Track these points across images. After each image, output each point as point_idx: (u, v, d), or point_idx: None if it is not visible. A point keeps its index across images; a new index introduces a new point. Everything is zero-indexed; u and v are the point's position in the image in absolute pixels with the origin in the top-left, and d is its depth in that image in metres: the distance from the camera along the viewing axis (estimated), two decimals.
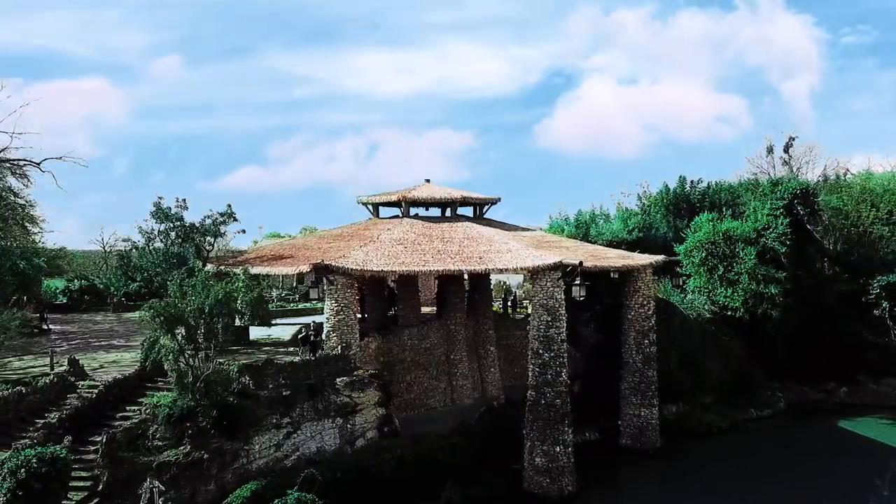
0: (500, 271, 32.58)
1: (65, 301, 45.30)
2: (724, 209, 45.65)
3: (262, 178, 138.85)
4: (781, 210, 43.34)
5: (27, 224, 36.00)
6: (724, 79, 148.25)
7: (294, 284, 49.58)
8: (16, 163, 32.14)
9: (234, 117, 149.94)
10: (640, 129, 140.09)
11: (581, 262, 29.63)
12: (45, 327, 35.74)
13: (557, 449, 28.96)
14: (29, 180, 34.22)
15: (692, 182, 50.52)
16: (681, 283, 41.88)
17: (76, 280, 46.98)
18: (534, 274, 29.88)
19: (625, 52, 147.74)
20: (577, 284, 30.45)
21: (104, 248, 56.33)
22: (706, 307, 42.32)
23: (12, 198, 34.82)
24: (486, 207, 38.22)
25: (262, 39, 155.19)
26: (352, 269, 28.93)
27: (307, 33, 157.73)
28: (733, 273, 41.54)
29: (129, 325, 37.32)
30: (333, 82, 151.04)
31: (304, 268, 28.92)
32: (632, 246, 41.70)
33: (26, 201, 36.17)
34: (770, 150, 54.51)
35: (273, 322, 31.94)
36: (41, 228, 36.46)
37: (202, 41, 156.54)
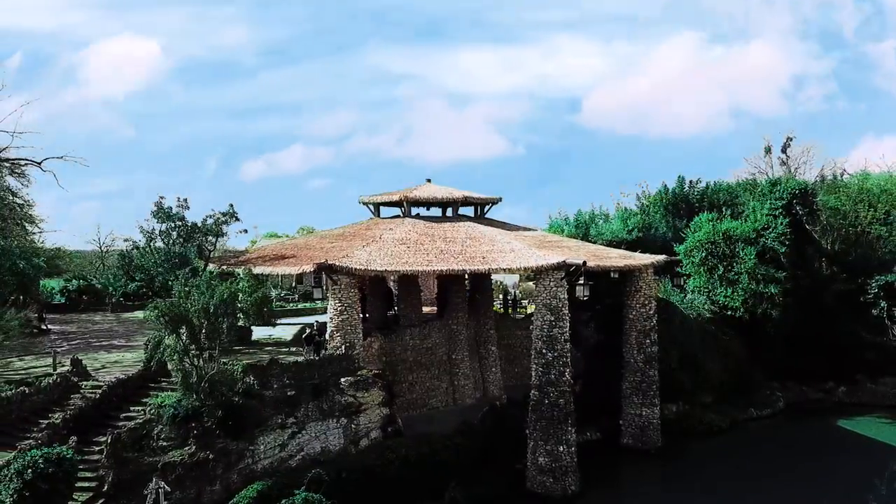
0: (504, 271, 32.57)
1: (62, 301, 45.06)
2: (723, 209, 45.79)
3: (302, 158, 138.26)
4: (780, 210, 43.44)
5: (26, 224, 35.92)
6: (803, 39, 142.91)
7: (293, 284, 49.51)
8: (16, 162, 31.96)
9: (326, 117, 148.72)
10: (714, 100, 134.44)
11: (585, 262, 29.65)
12: (43, 327, 35.54)
13: (561, 448, 28.96)
14: (28, 180, 34.16)
15: (691, 182, 50.80)
16: (681, 283, 42.05)
17: (74, 280, 46.71)
18: (537, 274, 29.87)
19: (701, 17, 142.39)
20: (580, 284, 30.49)
21: (101, 247, 56.21)
22: (706, 307, 42.41)
23: (10, 197, 34.72)
24: (488, 207, 38.19)
25: (366, 37, 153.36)
26: (356, 269, 28.86)
27: (413, 30, 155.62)
28: (733, 273, 41.61)
29: (128, 325, 37.18)
30: (434, 80, 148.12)
31: (308, 267, 28.87)
32: (631, 246, 41.78)
33: (24, 201, 36.11)
34: (768, 150, 54.79)
35: (275, 322, 31.88)
36: (40, 228, 36.35)
37: (306, 40, 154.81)
